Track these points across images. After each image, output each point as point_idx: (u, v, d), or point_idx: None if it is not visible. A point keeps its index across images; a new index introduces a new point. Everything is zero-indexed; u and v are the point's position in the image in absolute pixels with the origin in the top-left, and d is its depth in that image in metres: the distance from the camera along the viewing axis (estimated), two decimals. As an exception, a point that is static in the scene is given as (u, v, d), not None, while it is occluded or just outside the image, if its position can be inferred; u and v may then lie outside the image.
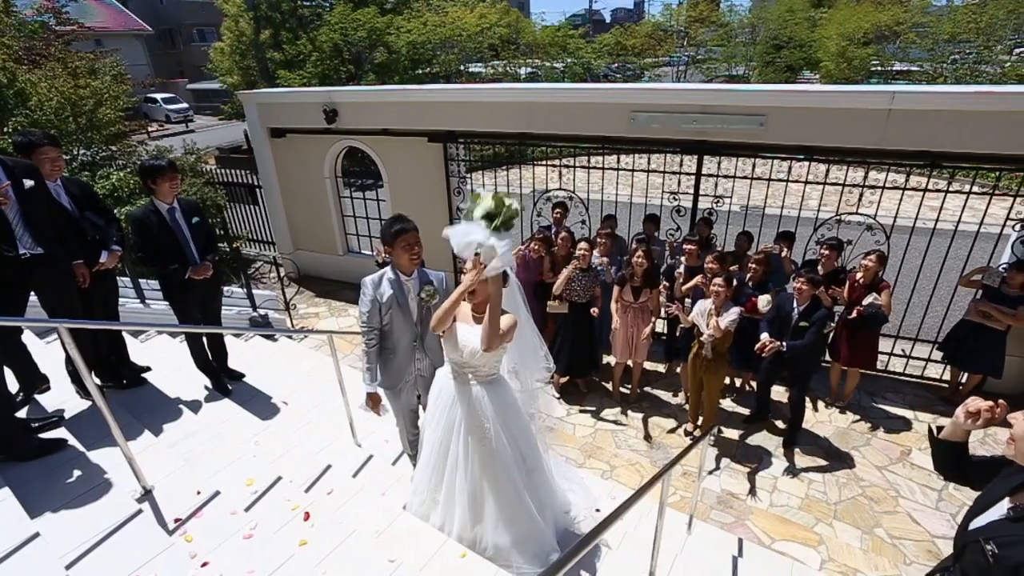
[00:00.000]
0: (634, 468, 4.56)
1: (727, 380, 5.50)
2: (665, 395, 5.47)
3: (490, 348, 2.49)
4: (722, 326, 4.23)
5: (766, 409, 5.00)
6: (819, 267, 4.97)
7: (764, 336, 4.39)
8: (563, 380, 5.52)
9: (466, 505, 2.81)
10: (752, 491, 4.30)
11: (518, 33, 26.52)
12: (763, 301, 4.74)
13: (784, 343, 4.25)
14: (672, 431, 5.00)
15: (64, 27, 10.95)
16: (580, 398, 5.46)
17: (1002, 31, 16.54)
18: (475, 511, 2.81)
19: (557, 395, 5.46)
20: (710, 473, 4.47)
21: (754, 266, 4.82)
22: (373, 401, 3.16)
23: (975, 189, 4.86)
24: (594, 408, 5.34)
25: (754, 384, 5.45)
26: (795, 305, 4.35)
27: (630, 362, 5.23)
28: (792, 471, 4.49)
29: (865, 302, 4.66)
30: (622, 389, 5.49)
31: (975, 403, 1.75)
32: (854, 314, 4.68)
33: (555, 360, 5.18)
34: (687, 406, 5.16)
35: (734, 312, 4.26)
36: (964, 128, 4.56)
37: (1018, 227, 4.83)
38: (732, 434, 4.92)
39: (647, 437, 4.94)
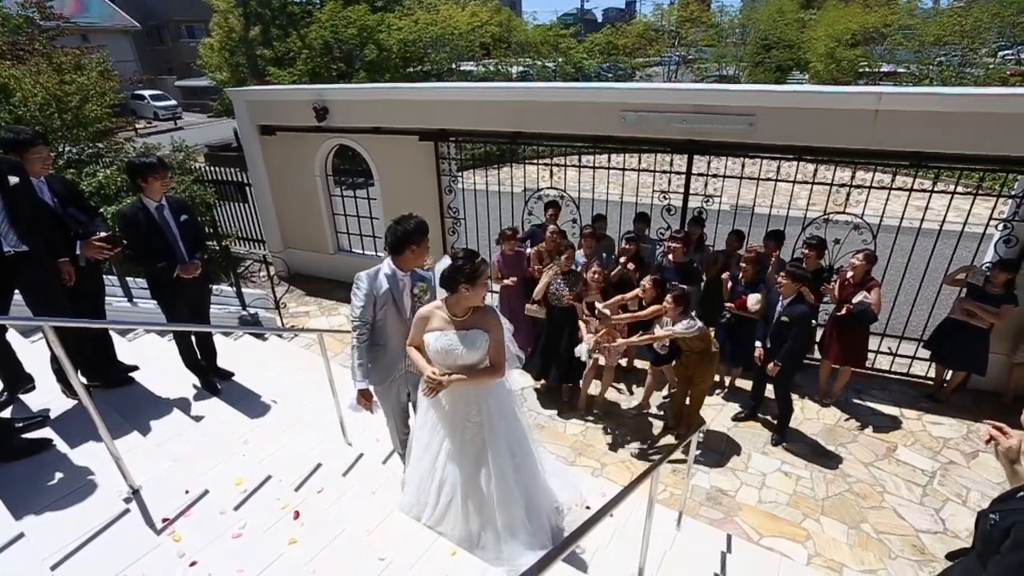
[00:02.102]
0: (624, 466, 4.59)
1: (716, 377, 5.56)
2: (655, 395, 5.49)
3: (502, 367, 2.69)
4: (677, 330, 4.25)
5: (760, 405, 5.05)
6: (803, 266, 5.03)
7: (758, 345, 4.59)
8: (540, 383, 5.48)
9: (459, 501, 2.81)
10: (743, 488, 4.34)
11: (509, 32, 26.54)
12: (752, 300, 4.78)
13: (778, 361, 4.38)
14: (663, 429, 5.03)
15: (49, 22, 10.81)
16: (565, 404, 5.39)
17: (987, 34, 16.78)
18: (468, 506, 2.81)
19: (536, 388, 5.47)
20: (698, 468, 4.50)
21: (745, 265, 4.86)
22: (365, 398, 3.09)
23: (959, 189, 4.94)
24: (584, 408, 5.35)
25: (742, 381, 5.50)
26: (779, 299, 4.41)
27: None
28: (780, 468, 4.54)
29: (855, 300, 4.72)
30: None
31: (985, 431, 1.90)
32: (843, 311, 4.74)
33: (530, 363, 5.16)
34: (657, 408, 5.22)
35: (685, 322, 4.26)
36: (949, 129, 4.62)
37: (1001, 227, 4.91)
38: (721, 431, 4.96)
39: (644, 442, 4.96)
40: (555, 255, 5.17)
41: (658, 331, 4.38)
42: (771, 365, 4.44)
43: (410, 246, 2.91)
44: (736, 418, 5.10)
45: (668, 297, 4.27)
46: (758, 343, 4.65)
